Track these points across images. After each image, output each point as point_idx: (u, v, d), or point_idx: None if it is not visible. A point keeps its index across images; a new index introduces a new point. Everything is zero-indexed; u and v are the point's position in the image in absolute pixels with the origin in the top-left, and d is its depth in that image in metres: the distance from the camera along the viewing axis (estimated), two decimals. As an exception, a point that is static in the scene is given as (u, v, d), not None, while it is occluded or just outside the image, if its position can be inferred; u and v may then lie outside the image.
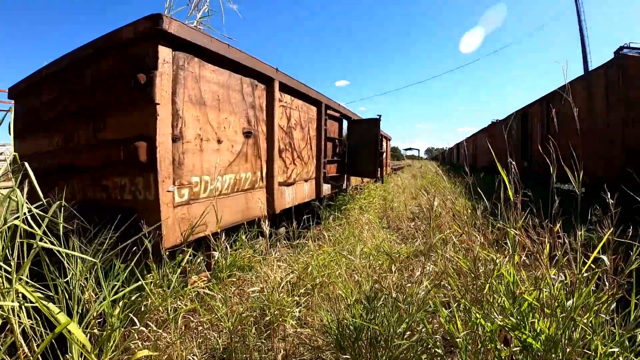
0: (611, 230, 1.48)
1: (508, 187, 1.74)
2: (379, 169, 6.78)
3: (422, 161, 59.21)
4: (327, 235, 4.09)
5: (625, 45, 6.26)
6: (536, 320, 1.49)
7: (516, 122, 12.64)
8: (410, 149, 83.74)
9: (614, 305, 1.48)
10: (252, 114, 3.45)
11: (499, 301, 1.69)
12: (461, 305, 1.80)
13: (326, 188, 5.69)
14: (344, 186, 6.77)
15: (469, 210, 2.31)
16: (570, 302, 1.44)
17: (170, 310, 1.96)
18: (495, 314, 1.59)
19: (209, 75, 2.81)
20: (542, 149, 9.25)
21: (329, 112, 5.70)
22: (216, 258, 2.72)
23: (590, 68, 10.38)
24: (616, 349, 1.35)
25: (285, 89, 4.11)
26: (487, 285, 1.73)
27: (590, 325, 1.42)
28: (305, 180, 4.95)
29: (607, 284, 1.49)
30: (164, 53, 2.29)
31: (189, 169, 2.56)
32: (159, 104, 2.23)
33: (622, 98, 5.98)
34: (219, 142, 2.93)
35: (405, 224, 5.56)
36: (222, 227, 2.83)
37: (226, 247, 2.83)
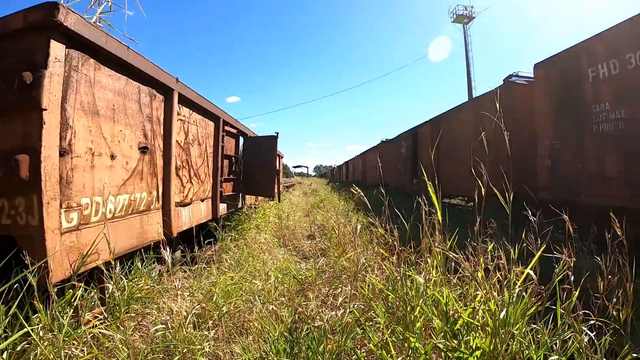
0: (543, 248, 1.75)
1: (438, 211, 2.01)
2: (275, 188, 6.99)
3: (311, 178, 62.07)
4: (226, 257, 4.05)
5: (514, 74, 7.19)
6: (471, 338, 1.61)
7: (407, 141, 13.84)
8: (299, 166, 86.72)
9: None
10: (149, 127, 3.25)
11: (423, 317, 1.87)
12: (390, 329, 1.92)
13: (223, 208, 5.59)
14: (240, 205, 6.73)
15: (382, 231, 2.65)
16: (502, 315, 1.57)
17: (65, 358, 1.71)
18: (433, 336, 1.74)
19: (105, 80, 2.57)
20: (432, 167, 10.71)
21: (226, 128, 5.68)
22: (110, 291, 2.45)
23: (475, 94, 12.09)
24: (555, 357, 1.55)
25: (184, 101, 3.99)
26: (418, 307, 1.90)
27: (523, 335, 1.60)
28: (202, 200, 4.79)
29: (533, 295, 1.71)
30: (57, 50, 2.03)
31: (79, 188, 2.27)
32: (46, 109, 1.95)
33: (508, 120, 7.23)
34: (113, 157, 2.67)
35: (302, 242, 5.90)
36: (116, 254, 2.57)
37: (121, 278, 2.58)
